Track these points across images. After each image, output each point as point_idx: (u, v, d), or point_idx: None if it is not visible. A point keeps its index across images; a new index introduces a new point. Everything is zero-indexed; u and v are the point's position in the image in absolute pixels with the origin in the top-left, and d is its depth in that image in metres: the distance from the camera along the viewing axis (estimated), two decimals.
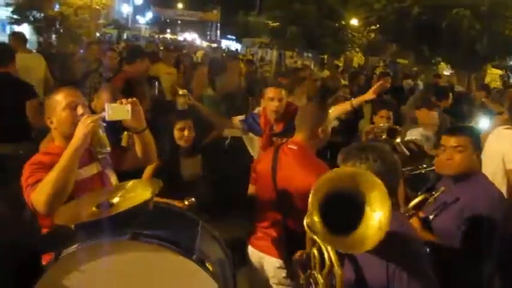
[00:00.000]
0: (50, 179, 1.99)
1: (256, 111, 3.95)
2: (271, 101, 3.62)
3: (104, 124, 2.18)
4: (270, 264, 2.84)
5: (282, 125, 3.67)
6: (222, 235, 2.34)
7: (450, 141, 2.64)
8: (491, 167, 3.51)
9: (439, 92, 6.61)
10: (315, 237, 1.71)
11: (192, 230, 2.10)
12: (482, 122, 5.06)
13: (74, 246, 1.69)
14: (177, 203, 2.87)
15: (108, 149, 2.21)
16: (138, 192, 1.88)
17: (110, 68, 5.60)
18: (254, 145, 4.15)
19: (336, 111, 3.98)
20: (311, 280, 1.90)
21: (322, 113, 2.95)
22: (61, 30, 16.49)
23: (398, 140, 3.81)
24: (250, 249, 2.95)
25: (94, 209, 1.78)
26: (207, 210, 3.05)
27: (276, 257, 2.81)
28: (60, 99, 2.27)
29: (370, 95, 4.05)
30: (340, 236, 1.69)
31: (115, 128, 2.49)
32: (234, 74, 5.83)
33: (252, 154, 4.18)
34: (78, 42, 11.84)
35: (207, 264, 1.75)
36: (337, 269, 1.70)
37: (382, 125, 3.98)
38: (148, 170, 3.19)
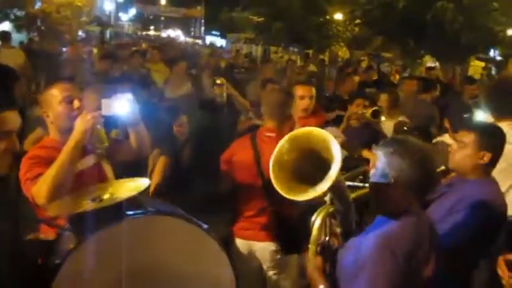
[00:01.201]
0: (51, 173, 2.05)
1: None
2: (301, 99, 3.58)
3: (103, 120, 2.23)
4: (264, 250, 2.88)
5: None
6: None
7: (458, 134, 2.51)
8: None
9: (427, 83, 6.64)
10: None
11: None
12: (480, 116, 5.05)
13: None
14: None
15: (106, 144, 2.27)
16: (124, 190, 1.89)
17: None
18: None
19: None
20: None
21: (288, 98, 3.07)
22: (42, 28, 16.24)
23: (383, 118, 3.97)
24: (239, 241, 2.96)
25: (87, 202, 1.79)
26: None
27: (269, 241, 2.86)
28: (56, 93, 2.28)
29: None
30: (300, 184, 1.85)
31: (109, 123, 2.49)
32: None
33: None
34: (61, 40, 11.66)
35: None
36: None
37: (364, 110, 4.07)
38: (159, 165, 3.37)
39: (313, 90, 3.68)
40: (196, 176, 3.54)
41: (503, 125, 3.14)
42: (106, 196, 1.77)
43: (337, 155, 1.84)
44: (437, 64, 16.02)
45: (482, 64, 19.95)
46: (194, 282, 1.74)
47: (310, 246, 2.10)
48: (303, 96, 3.60)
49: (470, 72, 16.41)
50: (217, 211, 3.13)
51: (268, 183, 2.70)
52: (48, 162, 2.14)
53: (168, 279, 1.69)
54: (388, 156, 1.81)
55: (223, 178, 3.06)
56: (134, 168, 2.73)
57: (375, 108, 4.04)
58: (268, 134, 2.90)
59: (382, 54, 22.43)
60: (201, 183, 3.49)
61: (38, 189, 2.04)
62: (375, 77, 8.40)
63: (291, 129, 2.90)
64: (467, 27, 12.35)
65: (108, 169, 2.46)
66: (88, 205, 1.73)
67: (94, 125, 2.16)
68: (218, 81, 4.13)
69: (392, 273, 1.72)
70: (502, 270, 2.21)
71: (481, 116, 4.97)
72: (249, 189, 2.89)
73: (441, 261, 1.91)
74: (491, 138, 2.34)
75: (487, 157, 2.30)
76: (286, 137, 2.03)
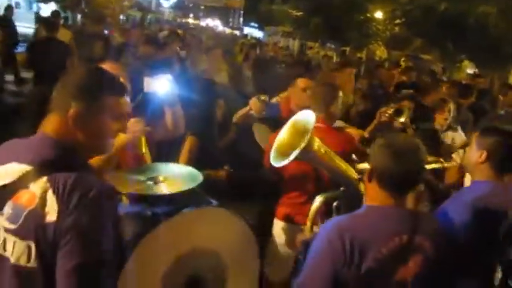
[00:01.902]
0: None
1: (264, 97, 3.84)
2: (303, 91, 3.65)
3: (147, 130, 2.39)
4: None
5: None
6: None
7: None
8: None
9: (465, 89, 6.59)
10: None
11: None
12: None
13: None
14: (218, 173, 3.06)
15: (144, 151, 2.40)
16: (180, 180, 2.02)
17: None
18: (262, 135, 4.11)
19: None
20: None
21: (333, 92, 3.18)
22: (86, 10, 16.71)
23: (402, 119, 3.96)
24: (287, 225, 3.06)
25: (143, 181, 1.93)
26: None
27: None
28: None
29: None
30: None
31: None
32: None
33: (260, 144, 4.14)
34: (104, 23, 12.00)
35: None
36: None
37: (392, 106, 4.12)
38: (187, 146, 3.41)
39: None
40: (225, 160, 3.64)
41: None
42: (161, 178, 1.91)
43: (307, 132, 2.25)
44: (476, 70, 15.68)
45: None
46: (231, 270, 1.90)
47: (307, 222, 2.33)
48: (305, 89, 3.64)
49: (511, 80, 15.98)
50: (243, 197, 3.27)
51: (317, 170, 2.91)
52: None
53: (214, 267, 1.84)
54: (374, 149, 1.92)
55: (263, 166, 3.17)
56: (168, 148, 2.89)
57: (398, 107, 4.04)
58: (316, 125, 2.99)
59: (420, 56, 22.04)
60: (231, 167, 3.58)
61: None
62: (413, 79, 8.30)
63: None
64: (510, 34, 12.06)
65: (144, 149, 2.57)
66: (148, 186, 1.86)
67: (139, 137, 2.29)
68: (262, 98, 3.60)
69: (331, 258, 1.77)
70: None
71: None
72: (301, 176, 3.01)
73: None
74: (486, 137, 2.31)
75: (483, 156, 2.27)
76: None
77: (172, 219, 1.73)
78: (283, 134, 2.42)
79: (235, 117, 3.70)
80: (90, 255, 1.29)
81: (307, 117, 2.41)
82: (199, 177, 2.03)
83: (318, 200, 2.37)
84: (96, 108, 1.48)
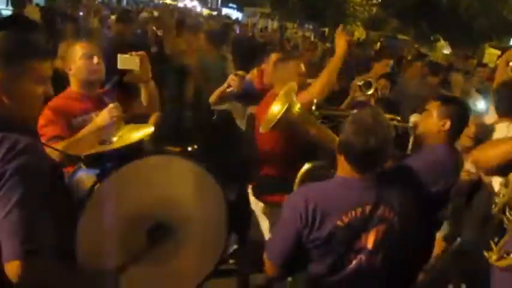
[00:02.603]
0: (67, 145, 2.22)
1: (241, 73, 3.84)
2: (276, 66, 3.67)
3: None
4: None
5: None
6: None
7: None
8: None
9: (435, 67, 6.74)
10: None
11: None
12: (480, 104, 4.87)
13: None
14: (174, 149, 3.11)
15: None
16: (133, 133, 2.06)
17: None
18: (240, 115, 4.16)
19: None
20: None
21: (297, 67, 3.18)
22: None
23: (370, 92, 3.97)
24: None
25: (97, 144, 1.98)
26: None
27: None
28: (77, 49, 2.55)
29: None
30: None
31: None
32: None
33: (240, 125, 4.09)
34: (80, 5, 11.77)
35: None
36: None
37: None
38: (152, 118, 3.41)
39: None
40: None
41: (504, 124, 3.16)
42: (115, 139, 1.94)
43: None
44: (451, 50, 15.95)
45: (498, 52, 19.75)
46: (195, 217, 1.87)
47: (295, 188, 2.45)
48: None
49: (486, 59, 16.32)
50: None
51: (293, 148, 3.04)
52: (62, 115, 2.42)
53: (176, 214, 1.82)
54: (345, 123, 2.00)
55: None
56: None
57: (368, 79, 4.06)
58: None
59: (397, 37, 22.27)
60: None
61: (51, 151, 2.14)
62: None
63: None
64: (482, 14, 12.31)
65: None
66: (99, 147, 1.91)
67: (117, 122, 2.30)
68: (240, 73, 3.56)
69: (295, 222, 1.89)
70: None
71: (481, 102, 5.06)
72: (276, 153, 3.13)
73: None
74: (451, 107, 2.44)
75: (447, 124, 2.40)
76: None
77: (122, 168, 1.74)
78: (273, 106, 2.56)
79: (212, 97, 3.73)
80: (24, 199, 1.38)
81: (290, 87, 2.57)
82: (149, 128, 2.08)
83: (305, 168, 2.47)
84: (19, 73, 1.54)
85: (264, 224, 3.17)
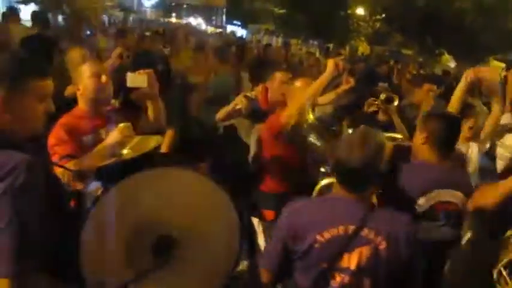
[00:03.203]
0: (79, 163, 2.28)
1: (250, 94, 3.89)
2: (281, 84, 3.71)
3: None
4: None
5: None
6: None
7: None
8: None
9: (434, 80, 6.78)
10: None
11: None
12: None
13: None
14: None
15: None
16: (144, 145, 2.11)
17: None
18: (244, 130, 4.18)
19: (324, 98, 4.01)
20: None
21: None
22: (67, 11, 16.52)
23: (395, 103, 4.00)
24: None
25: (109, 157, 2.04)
26: None
27: None
28: (85, 68, 2.62)
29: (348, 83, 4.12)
30: None
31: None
32: None
33: (245, 140, 4.11)
34: (86, 24, 11.93)
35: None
36: None
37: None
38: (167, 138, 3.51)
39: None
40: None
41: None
42: (125, 151, 1.99)
43: None
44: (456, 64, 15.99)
45: (502, 65, 19.80)
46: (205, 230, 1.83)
47: None
48: (284, 82, 3.69)
49: None
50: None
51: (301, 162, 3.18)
52: (75, 132, 2.47)
53: (182, 226, 1.78)
54: None
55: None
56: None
57: (388, 94, 4.08)
58: None
59: (402, 51, 22.37)
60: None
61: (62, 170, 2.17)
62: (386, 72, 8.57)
63: None
64: (487, 28, 12.37)
65: None
66: (111, 159, 1.97)
67: (127, 138, 2.34)
68: (249, 95, 3.60)
69: (282, 235, 1.97)
70: None
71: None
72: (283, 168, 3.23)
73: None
74: (428, 121, 2.45)
75: (423, 138, 2.41)
76: None
77: (124, 181, 1.72)
78: None
79: (219, 114, 3.78)
80: (16, 218, 1.40)
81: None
82: (157, 139, 2.12)
83: (323, 182, 2.44)
84: (21, 92, 1.60)
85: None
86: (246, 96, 3.62)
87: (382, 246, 1.89)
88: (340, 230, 1.90)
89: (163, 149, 3.49)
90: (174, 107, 3.67)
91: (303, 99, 2.97)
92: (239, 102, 3.58)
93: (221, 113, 3.73)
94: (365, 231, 1.90)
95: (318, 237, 1.90)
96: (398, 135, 2.85)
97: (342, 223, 1.90)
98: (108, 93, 2.66)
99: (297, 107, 2.97)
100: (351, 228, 1.89)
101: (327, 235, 1.90)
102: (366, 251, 1.89)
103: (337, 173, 1.96)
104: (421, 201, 2.35)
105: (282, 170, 3.24)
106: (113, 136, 2.37)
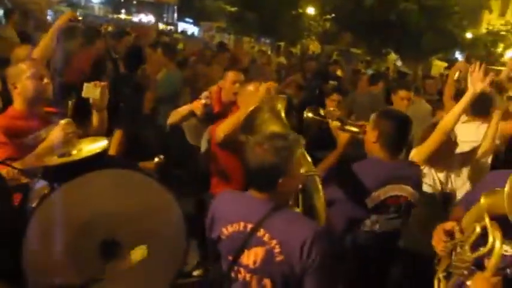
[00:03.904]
0: (23, 162, 2.23)
1: (203, 96, 3.81)
2: (233, 84, 3.69)
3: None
4: None
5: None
6: None
7: None
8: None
9: (375, 77, 7.06)
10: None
11: None
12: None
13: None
14: (147, 164, 3.12)
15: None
16: (92, 146, 2.06)
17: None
18: (192, 133, 4.13)
19: None
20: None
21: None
22: (9, 6, 15.82)
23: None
24: None
25: (56, 157, 1.98)
26: None
27: None
28: (24, 68, 2.53)
29: None
30: None
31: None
32: None
33: (195, 143, 4.03)
34: (30, 19, 11.46)
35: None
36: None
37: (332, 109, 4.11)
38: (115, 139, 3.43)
39: (243, 77, 3.70)
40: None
41: (474, 125, 3.42)
42: (74, 152, 1.97)
43: None
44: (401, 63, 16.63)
45: (445, 64, 20.79)
46: (148, 225, 1.84)
47: None
48: (235, 81, 3.61)
49: (433, 72, 17.15)
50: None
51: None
52: (15, 134, 2.40)
53: (127, 224, 1.78)
54: None
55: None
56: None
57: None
58: None
59: (351, 50, 22.98)
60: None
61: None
62: (339, 72, 8.80)
63: None
64: (430, 29, 12.96)
65: None
66: (58, 159, 1.91)
67: (70, 137, 2.31)
68: (204, 101, 3.46)
69: (207, 222, 2.06)
70: (438, 238, 1.91)
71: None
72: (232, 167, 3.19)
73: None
74: (379, 117, 2.51)
75: (375, 135, 2.49)
76: None
77: (71, 181, 1.70)
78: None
79: (173, 117, 3.67)
80: None
81: None
82: (104, 141, 2.08)
83: None
84: None
85: None
86: (204, 104, 3.50)
87: (277, 250, 1.86)
88: (241, 226, 1.93)
89: (111, 151, 3.40)
90: (126, 106, 3.65)
91: (245, 111, 2.69)
92: (195, 109, 3.50)
93: (175, 116, 3.64)
94: (261, 232, 1.88)
95: (224, 229, 1.97)
96: (355, 129, 2.86)
97: (243, 220, 1.92)
98: (48, 93, 2.60)
99: (234, 122, 2.85)
100: (249, 226, 1.91)
101: (230, 229, 1.95)
102: (260, 252, 1.88)
103: (246, 173, 2.02)
104: (373, 195, 2.44)
105: (229, 175, 3.24)
106: (55, 133, 2.32)
